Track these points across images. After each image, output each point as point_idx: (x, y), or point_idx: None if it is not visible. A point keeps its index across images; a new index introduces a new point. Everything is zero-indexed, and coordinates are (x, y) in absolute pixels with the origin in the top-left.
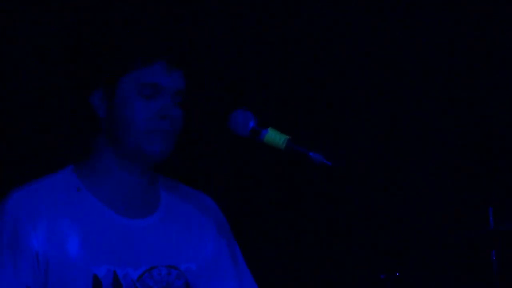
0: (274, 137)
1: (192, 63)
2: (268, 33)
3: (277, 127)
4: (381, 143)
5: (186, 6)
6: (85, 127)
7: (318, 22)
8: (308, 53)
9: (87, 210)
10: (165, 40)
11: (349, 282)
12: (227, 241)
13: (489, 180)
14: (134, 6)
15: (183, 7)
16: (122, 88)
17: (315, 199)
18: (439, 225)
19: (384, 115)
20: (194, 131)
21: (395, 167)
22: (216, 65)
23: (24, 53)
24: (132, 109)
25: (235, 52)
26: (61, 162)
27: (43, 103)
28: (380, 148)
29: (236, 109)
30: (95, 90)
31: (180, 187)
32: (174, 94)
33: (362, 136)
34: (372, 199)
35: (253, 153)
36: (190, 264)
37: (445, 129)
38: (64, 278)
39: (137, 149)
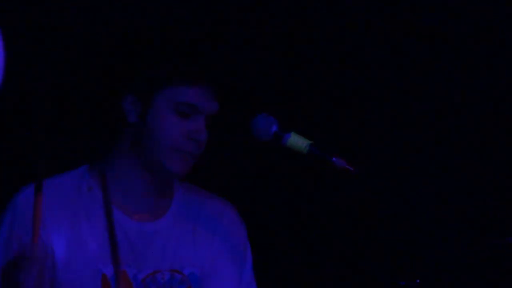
0: (297, 141)
1: (228, 88)
2: (288, 39)
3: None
4: (402, 149)
5: (226, 32)
6: (110, 129)
7: (337, 25)
8: (328, 60)
9: (96, 210)
10: (213, 66)
11: None
12: (236, 248)
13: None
14: (189, 25)
15: (223, 34)
16: (159, 100)
17: (336, 204)
18: (462, 231)
19: (406, 122)
20: (217, 137)
21: (418, 172)
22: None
23: (58, 46)
24: (165, 123)
25: (254, 59)
26: (77, 161)
27: (65, 100)
28: (400, 154)
29: (258, 115)
30: (129, 94)
31: (197, 192)
32: (207, 117)
33: (383, 142)
34: (393, 204)
35: (273, 158)
36: (193, 269)
37: (467, 131)
38: (72, 277)
39: (159, 162)
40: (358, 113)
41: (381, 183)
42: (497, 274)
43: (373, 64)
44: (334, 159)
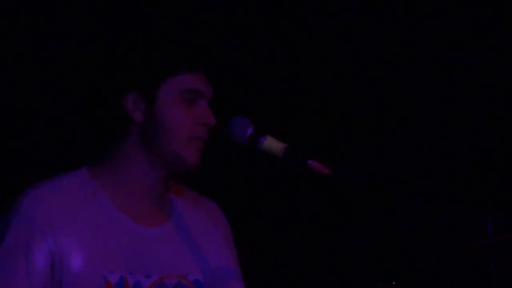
0: (272, 145)
1: (221, 72)
2: (270, 39)
3: (276, 136)
4: (381, 151)
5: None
6: (111, 129)
7: (323, 27)
8: (307, 60)
9: (102, 215)
10: (208, 49)
11: None
12: (232, 251)
13: (490, 189)
14: (179, 13)
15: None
16: (163, 92)
17: (314, 208)
18: (440, 233)
19: (384, 122)
20: None
21: (394, 175)
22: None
23: (57, 48)
24: (175, 114)
25: (235, 59)
26: (73, 162)
27: (61, 100)
28: (379, 156)
29: (234, 116)
30: (130, 92)
31: (187, 193)
32: (209, 101)
33: (362, 144)
34: (372, 207)
35: (251, 160)
36: (198, 276)
37: (447, 135)
38: (76, 283)
39: (176, 155)
40: (337, 115)
41: (359, 185)
42: (471, 277)
43: (352, 63)
44: (309, 162)
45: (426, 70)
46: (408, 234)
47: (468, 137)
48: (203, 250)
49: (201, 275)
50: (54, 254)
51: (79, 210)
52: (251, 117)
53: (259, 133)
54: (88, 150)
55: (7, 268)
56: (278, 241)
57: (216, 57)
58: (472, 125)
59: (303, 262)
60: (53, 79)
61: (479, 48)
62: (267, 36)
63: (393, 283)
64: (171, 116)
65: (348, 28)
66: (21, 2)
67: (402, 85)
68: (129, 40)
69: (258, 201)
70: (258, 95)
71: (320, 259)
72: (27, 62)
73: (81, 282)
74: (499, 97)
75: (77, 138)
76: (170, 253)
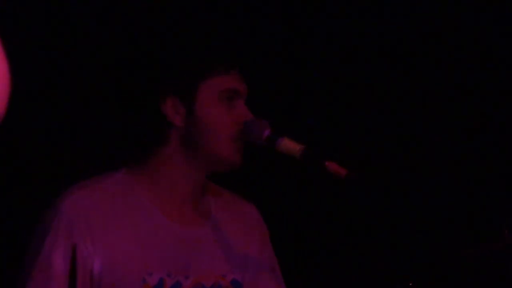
0: (289, 146)
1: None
2: (287, 42)
3: (292, 137)
4: (396, 152)
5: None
6: (152, 136)
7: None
8: (323, 64)
9: (142, 216)
10: (241, 49)
11: None
12: (268, 252)
13: (507, 192)
14: (209, 16)
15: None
16: (202, 95)
17: (329, 208)
18: (456, 235)
19: (401, 125)
20: None
21: (410, 176)
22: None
23: (94, 54)
24: (217, 115)
25: (254, 62)
26: (111, 163)
27: (102, 103)
28: (395, 158)
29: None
30: (168, 97)
31: (224, 193)
32: (245, 100)
33: (379, 146)
34: (387, 208)
35: (267, 161)
36: (236, 276)
37: (465, 137)
38: (116, 284)
39: (220, 156)
40: (356, 117)
41: (377, 187)
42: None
43: (371, 67)
44: (327, 163)
45: (445, 77)
46: (425, 235)
47: (486, 139)
48: (240, 250)
49: (238, 275)
50: (93, 257)
51: (118, 211)
52: (268, 118)
53: (276, 135)
54: (127, 153)
55: (46, 273)
56: (292, 243)
57: (248, 56)
58: (490, 127)
59: (320, 263)
60: (93, 82)
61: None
62: (285, 38)
63: (410, 284)
64: (212, 118)
65: (366, 34)
66: (63, 7)
67: (418, 86)
68: (163, 46)
69: (269, 203)
70: (273, 96)
71: (336, 261)
72: (72, 67)
73: (120, 283)
74: None
75: (117, 140)
76: (208, 253)
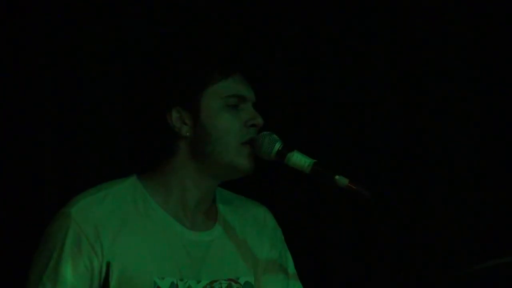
0: (300, 160)
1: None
2: (296, 55)
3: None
4: (412, 169)
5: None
6: (160, 148)
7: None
8: (333, 77)
9: (153, 221)
10: (242, 52)
11: None
12: (279, 254)
13: None
14: (205, 22)
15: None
16: (206, 102)
17: (340, 224)
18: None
19: (416, 141)
20: None
21: (421, 193)
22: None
23: (98, 69)
24: (223, 121)
25: (262, 78)
26: (121, 170)
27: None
28: (410, 175)
29: (261, 132)
30: (172, 108)
31: (234, 198)
32: (253, 104)
33: (391, 161)
34: (398, 227)
35: (277, 175)
36: (249, 278)
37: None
38: None
39: (231, 163)
40: (367, 131)
41: (388, 203)
42: None
43: (381, 81)
44: (337, 177)
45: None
46: (438, 252)
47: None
48: (251, 253)
49: (251, 277)
50: (102, 265)
51: (129, 216)
52: (277, 132)
53: (286, 149)
54: (138, 161)
55: (54, 281)
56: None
57: (251, 59)
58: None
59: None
60: (100, 92)
61: None
62: (296, 49)
63: None
64: (220, 124)
65: (376, 49)
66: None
67: (430, 102)
68: (160, 58)
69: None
70: (283, 109)
71: (352, 275)
72: (84, 79)
73: None
74: None
75: (128, 149)
76: (220, 257)
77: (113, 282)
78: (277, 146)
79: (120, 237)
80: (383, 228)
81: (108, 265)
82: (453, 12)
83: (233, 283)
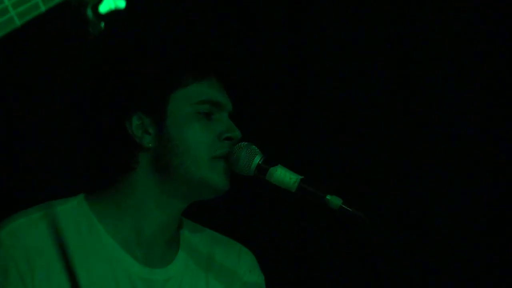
0: (284, 176)
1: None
2: (281, 63)
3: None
4: (405, 187)
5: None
6: (116, 160)
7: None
8: (320, 88)
9: (99, 253)
10: (217, 52)
11: None
12: None
13: None
14: (178, 19)
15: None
16: (173, 109)
17: (330, 246)
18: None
19: (408, 159)
20: None
21: (419, 214)
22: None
23: (52, 68)
24: (193, 132)
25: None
26: (69, 187)
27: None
28: (403, 193)
29: (238, 143)
30: (133, 114)
31: (204, 233)
32: (230, 114)
33: (383, 179)
34: (393, 250)
35: (258, 192)
36: None
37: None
38: None
39: (202, 181)
40: (359, 146)
41: (380, 224)
42: None
43: (371, 95)
44: (328, 197)
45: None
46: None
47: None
48: None
49: None
50: None
51: (70, 246)
52: (257, 143)
53: (268, 163)
54: (88, 176)
55: None
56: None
57: (229, 60)
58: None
59: None
60: (51, 97)
61: None
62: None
63: None
64: (188, 135)
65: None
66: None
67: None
68: (120, 55)
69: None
70: (264, 118)
71: None
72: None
73: None
74: None
75: (77, 163)
76: None
77: None
78: (257, 159)
79: (56, 269)
80: (377, 251)
81: None
82: (453, 12)
83: None
